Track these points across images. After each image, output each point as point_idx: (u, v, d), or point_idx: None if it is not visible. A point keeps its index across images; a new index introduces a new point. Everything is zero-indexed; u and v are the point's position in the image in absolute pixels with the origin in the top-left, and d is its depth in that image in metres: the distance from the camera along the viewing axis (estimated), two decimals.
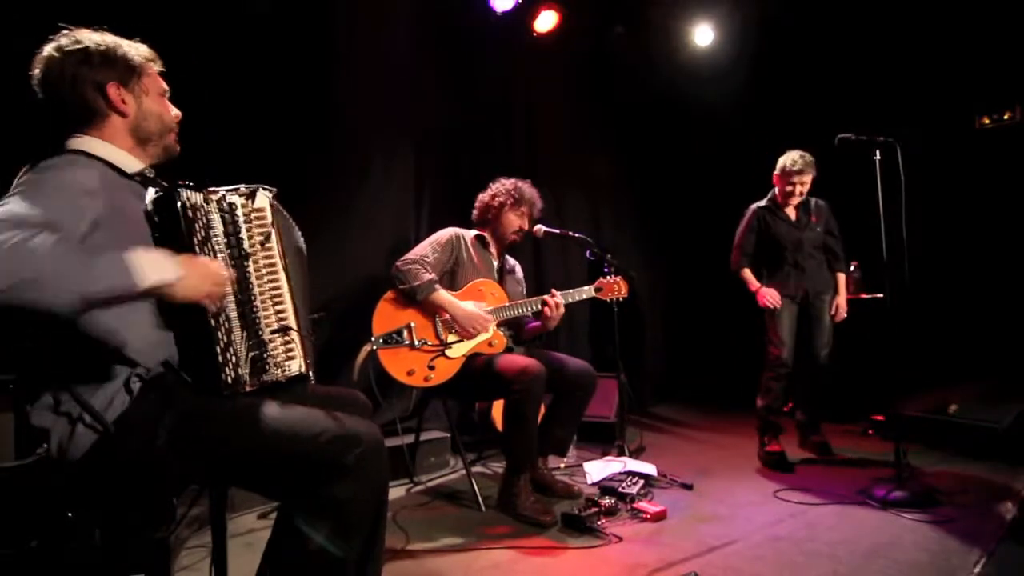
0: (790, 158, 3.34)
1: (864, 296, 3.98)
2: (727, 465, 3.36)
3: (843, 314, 3.45)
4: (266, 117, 2.94)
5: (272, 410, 1.36)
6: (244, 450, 1.31)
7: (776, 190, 3.47)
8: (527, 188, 3.02)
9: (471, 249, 2.94)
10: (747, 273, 3.47)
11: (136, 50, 1.46)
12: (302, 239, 1.72)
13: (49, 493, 1.27)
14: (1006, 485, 2.83)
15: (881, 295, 3.06)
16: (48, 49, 1.38)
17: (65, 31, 1.39)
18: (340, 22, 3.40)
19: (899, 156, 2.77)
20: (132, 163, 1.44)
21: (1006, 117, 4.16)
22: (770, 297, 3.35)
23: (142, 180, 1.42)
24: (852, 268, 4.04)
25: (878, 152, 2.83)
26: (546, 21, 4.26)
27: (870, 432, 3.97)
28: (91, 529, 1.24)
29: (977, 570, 2.02)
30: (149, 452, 1.26)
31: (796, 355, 3.40)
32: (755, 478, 3.13)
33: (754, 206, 3.51)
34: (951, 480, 2.93)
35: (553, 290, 2.85)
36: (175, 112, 1.54)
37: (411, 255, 2.78)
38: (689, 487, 2.93)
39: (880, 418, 3.95)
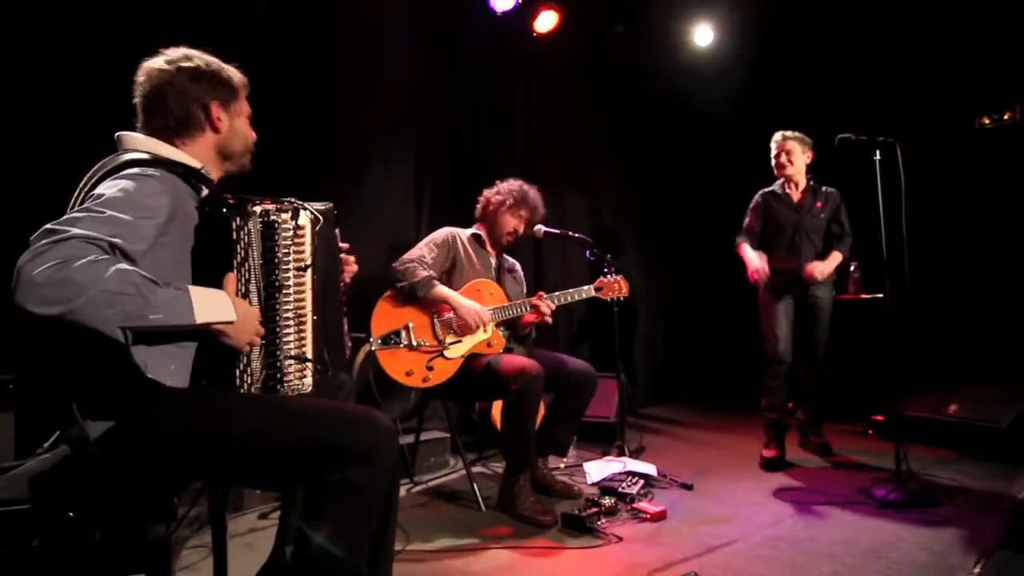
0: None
1: (864, 296, 3.97)
2: (727, 465, 3.36)
3: (814, 275, 3.25)
4: (265, 117, 2.91)
5: (286, 398, 1.41)
6: (260, 432, 1.30)
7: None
8: (532, 192, 3.00)
9: (468, 248, 2.94)
10: (744, 248, 3.42)
11: (235, 75, 1.57)
12: (342, 254, 1.71)
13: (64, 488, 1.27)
14: (1006, 485, 2.83)
15: (881, 295, 3.05)
16: (159, 60, 1.46)
17: (174, 47, 1.48)
18: (339, 22, 3.40)
19: (899, 156, 2.77)
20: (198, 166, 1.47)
21: (1006, 117, 4.16)
22: (761, 272, 3.25)
23: (202, 191, 1.43)
24: (852, 268, 4.04)
25: (878, 152, 2.83)
26: (546, 21, 4.26)
27: (870, 432, 3.97)
28: (91, 529, 1.24)
29: (977, 570, 2.02)
30: (163, 441, 1.26)
31: (795, 353, 3.39)
32: (755, 478, 3.13)
33: (761, 191, 3.56)
34: (950, 480, 2.94)
35: (540, 292, 2.87)
36: (254, 135, 1.64)
37: (408, 255, 2.79)
38: (689, 487, 2.93)
39: (880, 418, 3.95)
